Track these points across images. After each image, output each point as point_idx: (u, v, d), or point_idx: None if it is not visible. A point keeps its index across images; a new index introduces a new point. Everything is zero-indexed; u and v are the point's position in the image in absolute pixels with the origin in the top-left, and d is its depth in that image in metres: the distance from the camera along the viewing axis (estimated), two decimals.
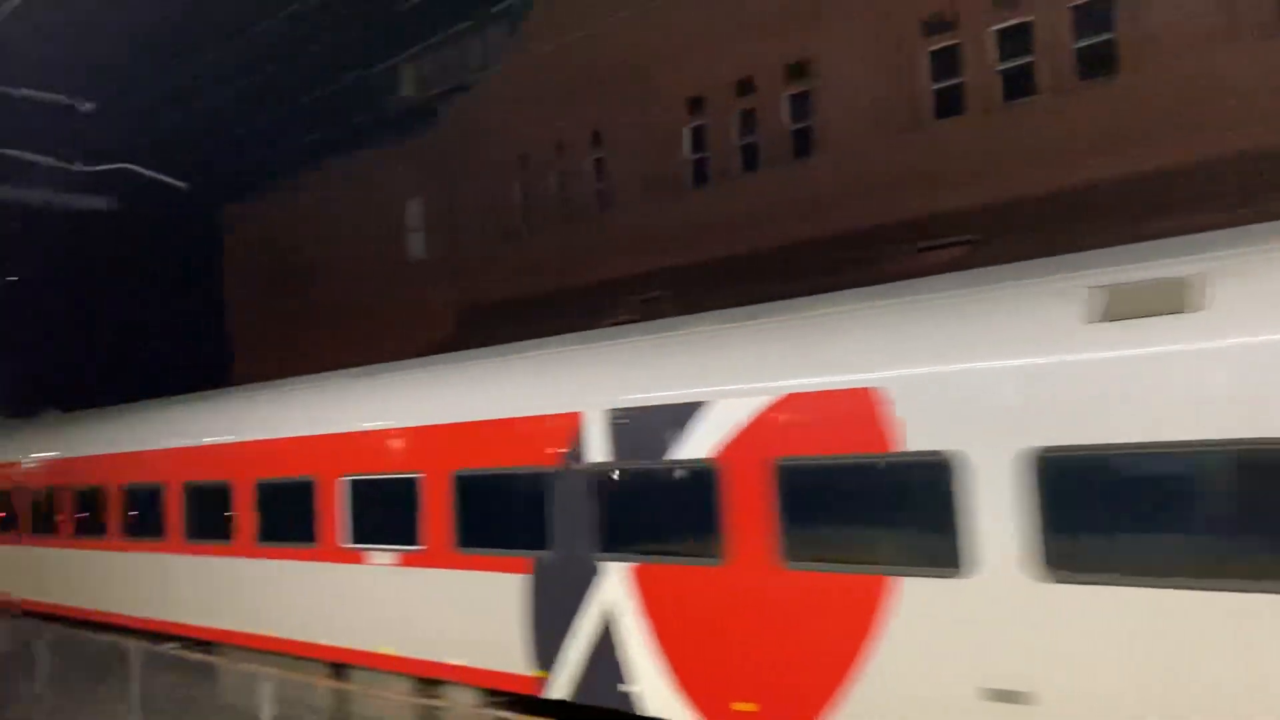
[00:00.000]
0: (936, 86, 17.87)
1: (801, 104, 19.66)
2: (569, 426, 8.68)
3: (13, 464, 18.33)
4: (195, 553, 13.50)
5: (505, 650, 9.05)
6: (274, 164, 21.53)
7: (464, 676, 9.51)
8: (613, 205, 22.75)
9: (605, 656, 8.25)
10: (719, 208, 20.52)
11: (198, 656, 12.77)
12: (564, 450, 8.68)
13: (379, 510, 10.57)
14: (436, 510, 9.86)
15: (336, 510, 11.05)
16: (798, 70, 19.57)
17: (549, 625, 8.71)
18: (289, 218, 32.05)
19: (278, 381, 13.99)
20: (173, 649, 13.17)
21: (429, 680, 10.08)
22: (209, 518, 13.18)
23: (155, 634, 14.16)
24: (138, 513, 14.65)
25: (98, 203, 16.81)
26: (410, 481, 10.16)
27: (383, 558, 10.46)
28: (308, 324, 30.60)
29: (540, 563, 8.83)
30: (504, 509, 9.26)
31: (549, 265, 23.79)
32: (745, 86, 20.43)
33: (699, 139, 21.34)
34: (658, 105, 21.70)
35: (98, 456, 15.74)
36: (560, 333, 10.92)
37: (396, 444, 10.42)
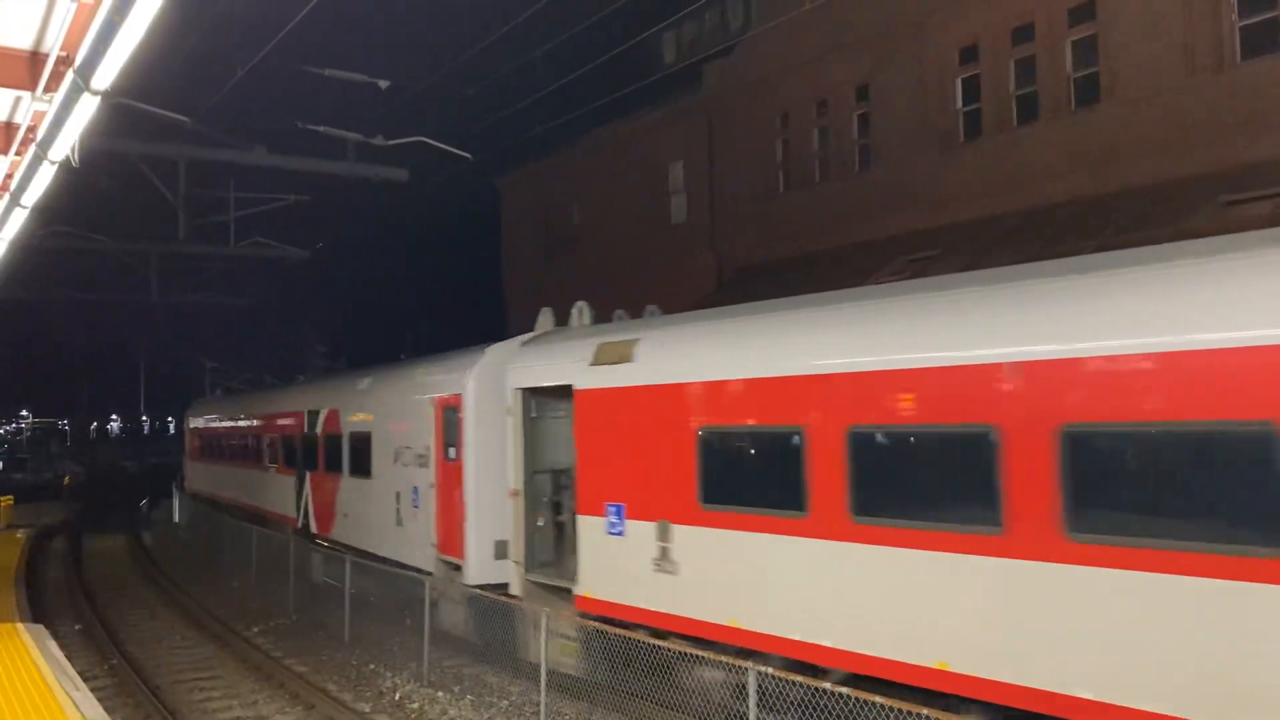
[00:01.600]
0: (1243, 24, 16.15)
1: (1086, 49, 18.32)
2: None
3: None
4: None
5: None
6: (548, 135, 22.50)
7: None
8: (878, 161, 22.16)
9: None
10: (994, 162, 19.51)
11: None
12: None
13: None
14: None
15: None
16: (1082, 14, 18.23)
17: None
18: (560, 185, 33.44)
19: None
20: None
21: None
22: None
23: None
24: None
25: (395, 174, 18.23)
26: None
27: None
28: (575, 285, 31.87)
29: None
30: None
31: (811, 225, 23.53)
32: (1023, 33, 19.26)
33: (971, 90, 20.36)
34: (927, 56, 20.87)
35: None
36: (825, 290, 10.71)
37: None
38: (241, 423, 29.41)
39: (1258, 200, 14.66)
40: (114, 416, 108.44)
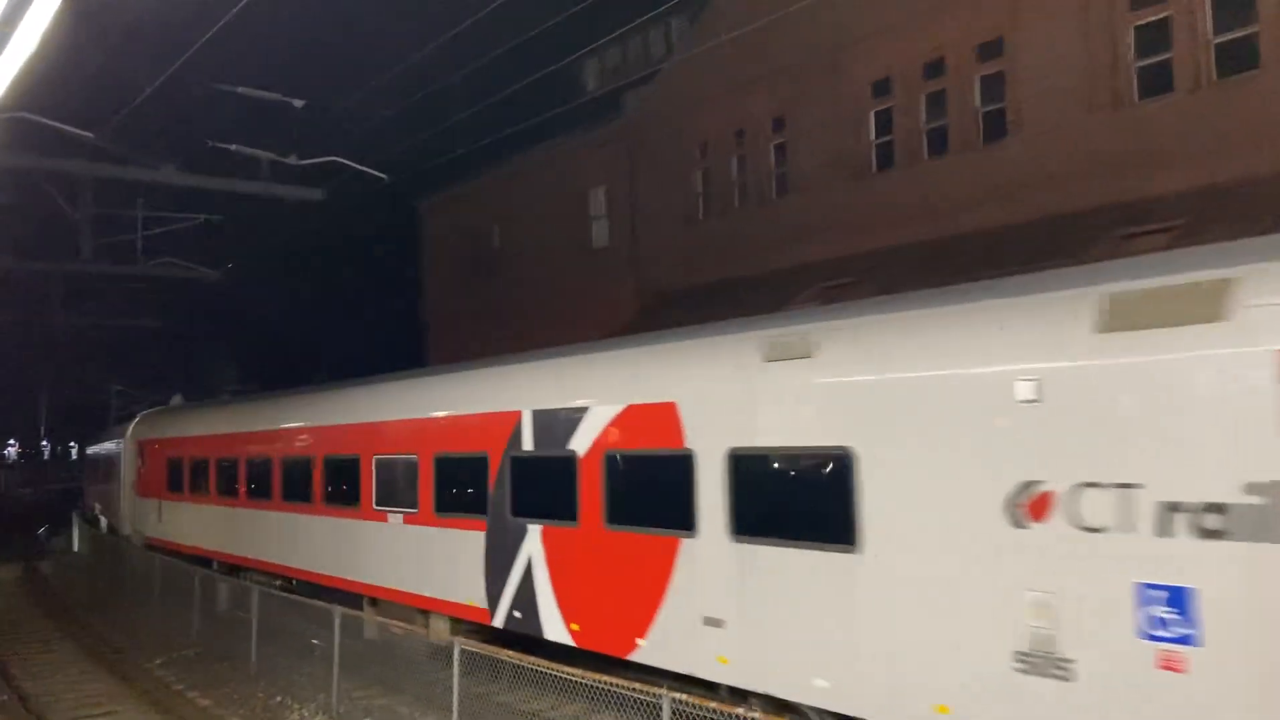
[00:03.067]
0: (1140, 64, 16.87)
1: (994, 85, 18.93)
2: None
3: None
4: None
5: None
6: (467, 157, 22.41)
7: None
8: (795, 190, 22.53)
9: None
10: (906, 192, 20.00)
11: None
12: None
13: None
14: None
15: None
16: (990, 50, 18.85)
17: None
18: (480, 208, 33.30)
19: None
20: None
21: None
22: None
23: None
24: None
25: (310, 194, 17.95)
26: None
27: None
28: (496, 309, 31.72)
29: None
30: None
31: (730, 251, 23.79)
32: (935, 68, 19.83)
33: (884, 122, 20.86)
34: (842, 89, 21.33)
35: None
36: (739, 316, 10.85)
37: None
38: (299, 436, 18.49)
39: (1154, 233, 15.25)
40: (12, 442, 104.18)
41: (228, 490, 21.33)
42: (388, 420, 15.52)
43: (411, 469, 14.60)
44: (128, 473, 29.13)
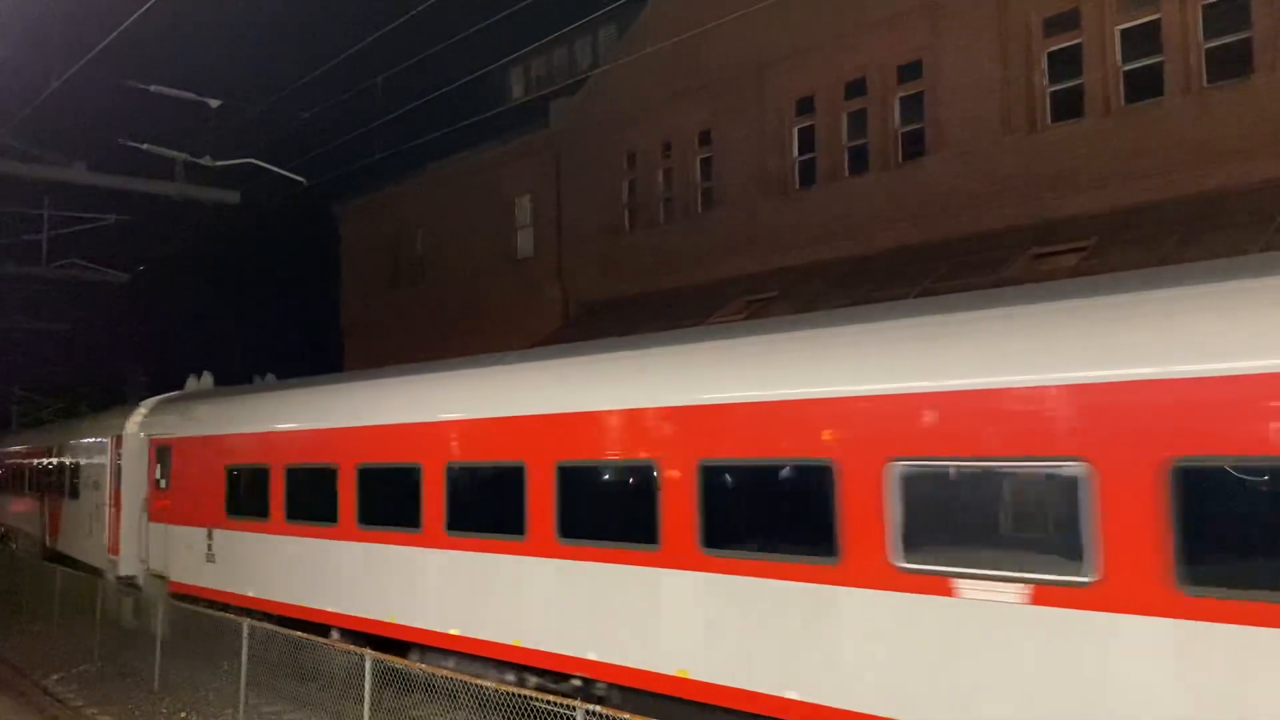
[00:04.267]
0: (1052, 89, 17.38)
1: (913, 106, 19.32)
2: None
3: None
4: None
5: None
6: (388, 163, 22.10)
7: None
8: (720, 204, 22.69)
9: None
10: (827, 209, 20.28)
11: None
12: None
13: None
14: None
15: None
16: (910, 72, 19.24)
17: None
18: (402, 214, 32.86)
19: None
20: None
21: None
22: None
23: None
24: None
25: (225, 196, 17.49)
26: None
27: None
28: (419, 316, 31.32)
29: None
30: None
31: (656, 264, 23.84)
32: (856, 87, 20.16)
33: (807, 139, 21.14)
34: (767, 105, 21.57)
35: None
36: (667, 329, 10.87)
37: None
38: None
39: (1064, 253, 15.69)
40: None
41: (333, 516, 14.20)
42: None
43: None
44: (130, 486, 20.57)
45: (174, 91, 15.68)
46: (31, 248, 26.22)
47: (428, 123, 20.33)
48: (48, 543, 26.86)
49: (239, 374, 23.19)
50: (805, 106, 21.11)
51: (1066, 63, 17.21)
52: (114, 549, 20.87)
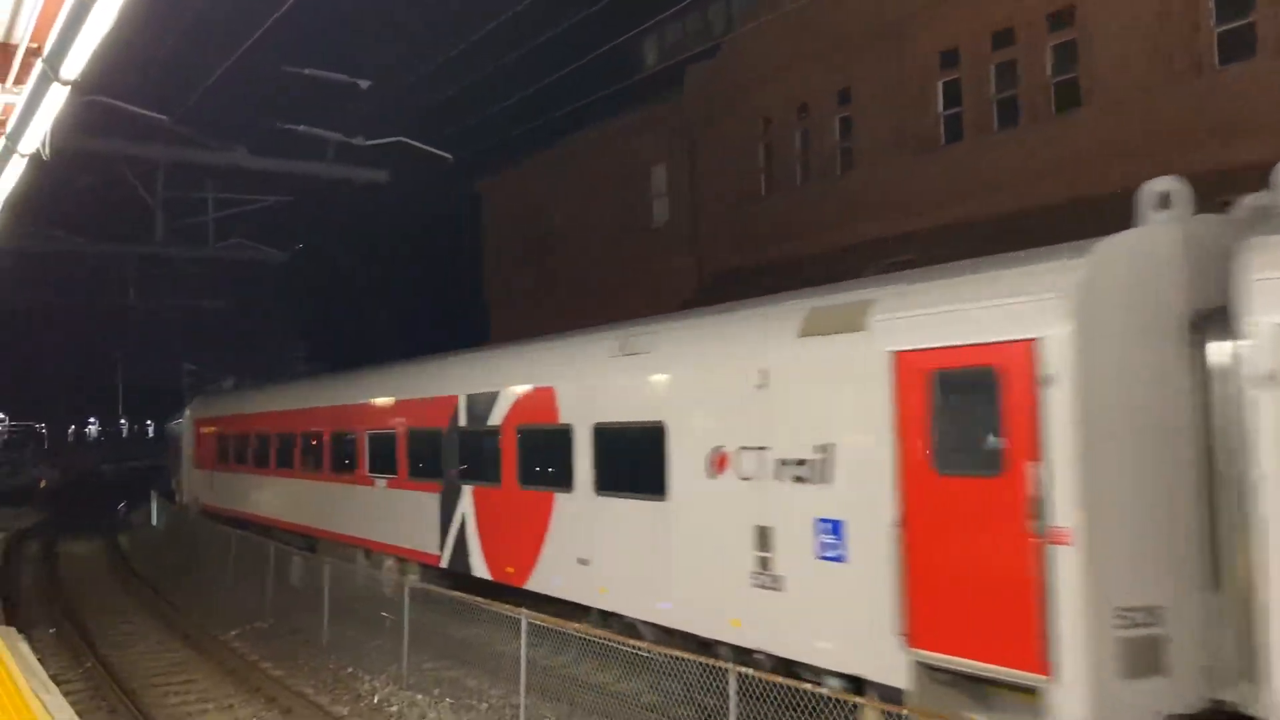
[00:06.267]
0: (1220, 29, 16.28)
1: (1066, 54, 18.42)
2: None
3: None
4: None
5: None
6: (527, 136, 22.47)
7: None
8: (859, 165, 22.20)
9: None
10: (974, 166, 19.58)
11: None
12: None
13: None
14: None
15: None
16: (1061, 19, 18.33)
17: None
18: (540, 187, 33.36)
19: None
20: None
21: None
22: None
23: None
24: None
25: (376, 175, 18.13)
26: None
27: None
28: (555, 288, 31.82)
29: None
30: None
31: (792, 228, 23.54)
32: (1003, 37, 19.35)
33: (952, 94, 20.43)
34: (908, 61, 20.93)
35: None
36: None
37: None
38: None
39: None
40: (92, 420, 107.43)
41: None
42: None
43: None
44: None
45: (326, 74, 16.29)
46: (198, 229, 27.77)
47: (565, 95, 20.54)
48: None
49: (390, 347, 24.40)
50: (949, 60, 20.39)
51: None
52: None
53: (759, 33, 23.12)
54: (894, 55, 21.17)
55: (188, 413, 32.65)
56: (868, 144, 21.98)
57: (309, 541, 20.96)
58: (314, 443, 21.21)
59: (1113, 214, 16.28)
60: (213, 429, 29.09)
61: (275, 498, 23.59)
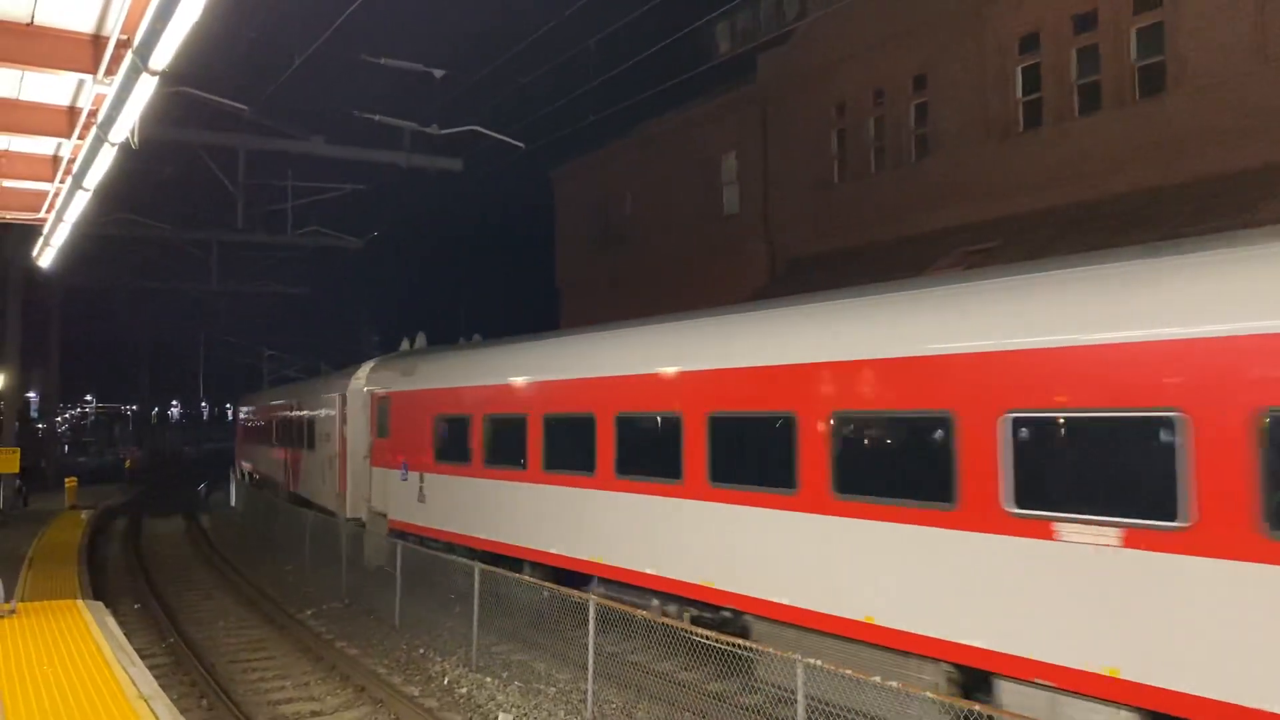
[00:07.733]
0: None
1: (1151, 37, 17.86)
2: None
3: None
4: None
5: None
6: (599, 125, 22.51)
7: None
8: (935, 152, 21.82)
9: None
10: (1054, 152, 19.12)
11: None
12: None
13: None
14: None
15: None
16: (1147, 1, 17.77)
17: None
18: (612, 175, 33.45)
19: None
20: None
21: None
22: None
23: None
24: None
25: (450, 163, 18.32)
26: None
27: None
28: (627, 275, 31.89)
29: None
30: None
31: (866, 216, 23.26)
32: (1085, 21, 18.84)
33: (1032, 79, 19.96)
34: (987, 45, 20.50)
35: None
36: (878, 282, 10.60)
37: None
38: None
39: None
40: (174, 402, 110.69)
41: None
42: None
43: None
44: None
45: (402, 64, 16.49)
46: (277, 216, 28.39)
47: (638, 83, 20.52)
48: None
49: (463, 331, 24.38)
50: (1029, 44, 19.92)
51: None
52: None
53: (833, 18, 22.83)
54: (972, 40, 20.75)
55: (358, 385, 22.73)
56: (943, 130, 21.59)
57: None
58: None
59: (1206, 195, 15.84)
60: (421, 409, 18.89)
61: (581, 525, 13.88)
